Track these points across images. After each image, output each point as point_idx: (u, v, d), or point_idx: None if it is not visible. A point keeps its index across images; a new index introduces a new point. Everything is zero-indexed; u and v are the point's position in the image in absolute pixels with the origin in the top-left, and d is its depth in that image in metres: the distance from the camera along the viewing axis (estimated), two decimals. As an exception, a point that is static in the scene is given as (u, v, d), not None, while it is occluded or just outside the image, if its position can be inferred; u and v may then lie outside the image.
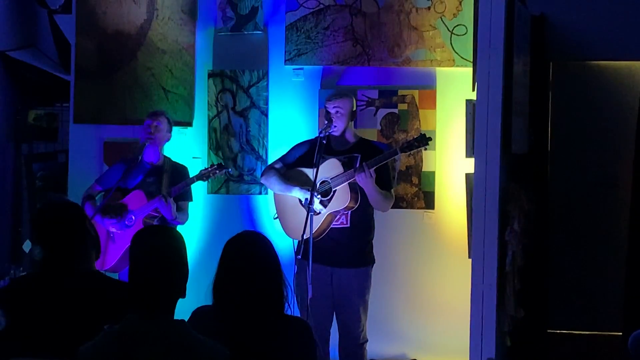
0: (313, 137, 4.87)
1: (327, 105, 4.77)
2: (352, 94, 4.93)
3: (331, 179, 4.60)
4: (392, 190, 4.76)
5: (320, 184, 4.59)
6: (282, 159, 4.89)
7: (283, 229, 4.82)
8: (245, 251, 2.93)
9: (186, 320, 2.77)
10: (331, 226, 4.63)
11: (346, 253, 4.66)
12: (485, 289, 4.16)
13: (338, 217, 4.65)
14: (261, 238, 3.02)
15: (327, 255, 4.59)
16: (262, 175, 4.96)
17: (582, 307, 5.85)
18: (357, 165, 4.59)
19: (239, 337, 2.83)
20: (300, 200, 4.70)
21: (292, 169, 4.82)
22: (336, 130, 4.72)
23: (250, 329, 2.86)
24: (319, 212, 4.58)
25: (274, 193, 4.89)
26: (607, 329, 5.57)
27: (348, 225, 4.66)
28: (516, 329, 4.48)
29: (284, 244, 5.10)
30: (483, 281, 4.17)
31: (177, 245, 2.76)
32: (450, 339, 5.10)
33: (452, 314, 5.14)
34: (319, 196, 4.57)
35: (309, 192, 4.47)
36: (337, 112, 4.72)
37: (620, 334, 5.02)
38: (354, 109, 4.83)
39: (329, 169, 4.63)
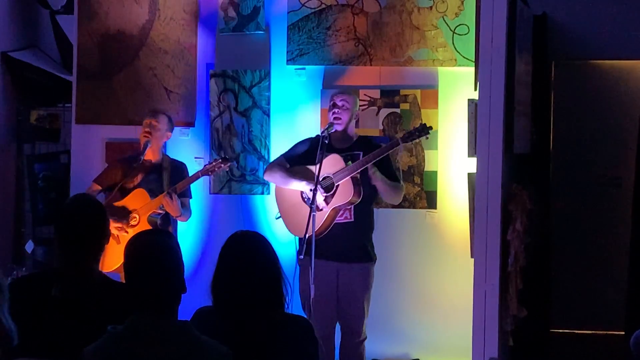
0: (314, 136, 4.89)
1: (334, 98, 4.83)
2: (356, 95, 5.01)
3: (333, 174, 4.63)
4: (401, 181, 4.82)
5: (322, 179, 4.62)
6: (284, 156, 4.92)
7: (287, 227, 4.83)
8: (241, 250, 2.93)
9: (188, 320, 2.77)
10: (335, 221, 4.65)
11: (351, 248, 4.69)
12: (487, 288, 4.16)
13: (342, 212, 4.67)
14: (257, 236, 3.01)
15: (332, 250, 4.63)
16: (265, 171, 4.98)
17: (585, 306, 5.86)
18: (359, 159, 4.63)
19: (239, 337, 2.82)
20: (302, 197, 4.71)
21: (294, 165, 4.83)
22: (340, 123, 4.77)
23: (251, 328, 2.85)
24: (322, 209, 4.60)
25: (275, 193, 4.90)
26: (610, 329, 5.58)
27: (352, 219, 4.69)
28: (519, 328, 4.48)
29: (285, 244, 5.10)
30: (485, 281, 4.17)
31: (166, 241, 2.77)
32: (453, 339, 5.09)
33: (455, 314, 5.14)
34: (324, 193, 4.60)
35: (313, 184, 4.52)
36: (343, 105, 4.80)
37: (623, 333, 5.02)
38: (357, 108, 4.92)
39: (331, 164, 4.65)
